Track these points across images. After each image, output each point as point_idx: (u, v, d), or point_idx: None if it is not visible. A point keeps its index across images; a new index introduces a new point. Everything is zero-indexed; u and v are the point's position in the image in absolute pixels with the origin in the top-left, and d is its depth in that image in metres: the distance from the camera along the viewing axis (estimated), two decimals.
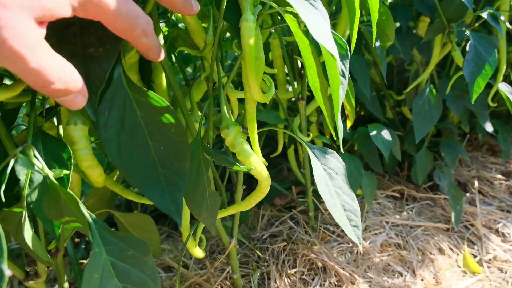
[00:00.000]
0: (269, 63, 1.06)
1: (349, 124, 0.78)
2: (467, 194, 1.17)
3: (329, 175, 0.54)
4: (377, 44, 0.81)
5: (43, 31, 0.30)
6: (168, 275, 0.91)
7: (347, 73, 0.46)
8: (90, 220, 0.39)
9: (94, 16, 0.33)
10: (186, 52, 0.80)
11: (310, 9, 0.37)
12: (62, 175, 0.40)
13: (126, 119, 0.41)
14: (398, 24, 0.99)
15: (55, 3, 0.30)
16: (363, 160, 1.04)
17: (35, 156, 0.37)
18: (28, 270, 0.58)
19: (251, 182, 1.01)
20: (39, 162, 0.36)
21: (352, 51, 0.48)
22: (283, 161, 1.31)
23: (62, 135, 0.51)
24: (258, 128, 0.56)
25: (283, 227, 1.00)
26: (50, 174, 0.37)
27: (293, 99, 1.04)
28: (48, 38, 0.33)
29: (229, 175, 0.94)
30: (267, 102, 1.04)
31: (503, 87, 0.95)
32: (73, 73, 0.32)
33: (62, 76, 0.31)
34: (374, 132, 0.91)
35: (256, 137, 0.55)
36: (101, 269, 0.37)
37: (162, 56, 0.41)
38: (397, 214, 1.07)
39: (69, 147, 0.44)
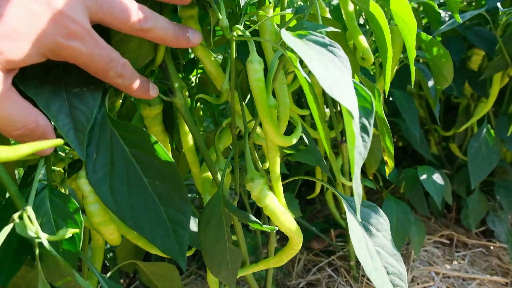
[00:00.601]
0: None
1: (388, 170, 0.71)
2: None
3: (369, 233, 0.48)
4: (430, 83, 0.74)
5: (9, 80, 0.32)
6: None
7: (371, 129, 0.40)
8: (102, 282, 0.36)
9: (68, 60, 0.34)
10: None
11: (326, 56, 0.33)
12: (69, 235, 0.36)
13: (115, 159, 0.39)
14: None
15: (22, 55, 0.31)
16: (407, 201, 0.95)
17: (30, 219, 0.34)
18: None
19: None
20: (33, 227, 0.34)
21: (385, 95, 0.41)
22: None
23: None
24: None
25: (321, 275, 0.92)
26: (44, 238, 0.34)
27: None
28: (29, 79, 0.35)
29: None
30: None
31: None
32: (38, 120, 0.34)
33: (27, 122, 0.33)
34: (424, 176, 0.83)
35: (281, 190, 0.51)
36: None
37: (154, 93, 0.41)
38: (447, 263, 0.97)
39: (74, 202, 0.41)
